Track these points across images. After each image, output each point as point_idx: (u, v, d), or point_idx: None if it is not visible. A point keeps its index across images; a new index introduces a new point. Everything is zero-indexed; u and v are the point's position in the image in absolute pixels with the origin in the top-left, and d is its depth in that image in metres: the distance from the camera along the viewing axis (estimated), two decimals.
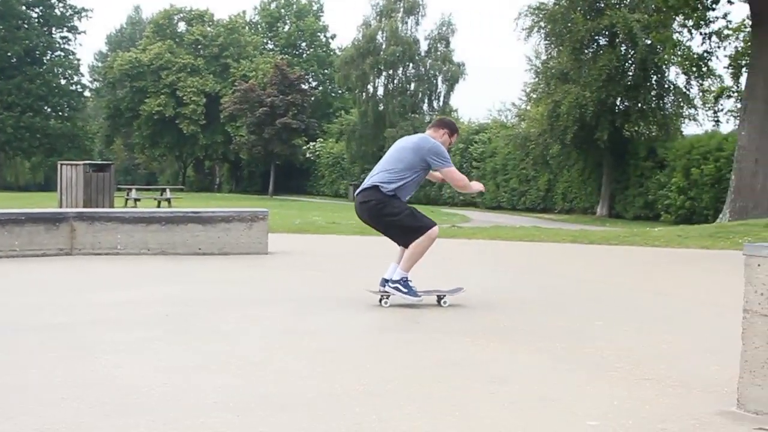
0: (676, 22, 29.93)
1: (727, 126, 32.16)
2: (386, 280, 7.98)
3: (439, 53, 62.96)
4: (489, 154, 49.63)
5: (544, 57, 41.30)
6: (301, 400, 4.50)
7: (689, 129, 40.34)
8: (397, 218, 7.99)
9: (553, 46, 40.01)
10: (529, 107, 44.49)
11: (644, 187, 37.08)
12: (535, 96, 42.66)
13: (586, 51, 38.52)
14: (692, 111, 38.76)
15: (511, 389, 4.79)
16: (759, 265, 4.28)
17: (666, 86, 38.75)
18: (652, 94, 38.61)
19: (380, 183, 8.03)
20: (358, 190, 8.28)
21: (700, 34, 28.38)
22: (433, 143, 8.12)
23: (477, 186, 8.55)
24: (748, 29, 26.07)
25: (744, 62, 27.61)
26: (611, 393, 4.74)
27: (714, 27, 28.24)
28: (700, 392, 4.80)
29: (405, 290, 7.92)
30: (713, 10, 26.73)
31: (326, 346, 5.98)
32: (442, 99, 64.25)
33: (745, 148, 22.90)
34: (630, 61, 38.24)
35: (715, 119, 36.96)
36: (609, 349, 5.96)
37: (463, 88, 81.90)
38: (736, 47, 29.18)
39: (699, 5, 25.94)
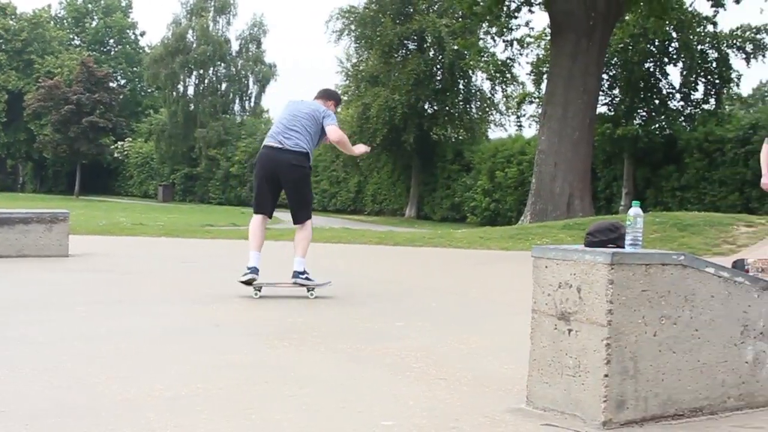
0: (481, 29, 30.80)
1: (530, 131, 33.33)
2: (299, 273, 8.53)
3: (250, 53, 62.72)
4: None
5: (354, 60, 41.72)
6: (94, 406, 4.35)
7: (495, 133, 41.64)
8: (309, 191, 8.87)
9: (363, 49, 40.47)
10: (339, 109, 44.86)
11: (451, 189, 37.97)
12: (345, 98, 43.01)
13: (395, 55, 39.15)
14: (497, 116, 40.01)
15: (309, 391, 4.78)
16: (546, 266, 4.42)
17: (473, 91, 39.83)
18: (459, 98, 39.62)
19: (308, 150, 8.54)
20: (279, 145, 8.51)
21: (503, 41, 29.33)
22: (321, 107, 8.71)
23: (360, 148, 9.15)
24: (549, 38, 27.09)
25: (545, 69, 28.67)
26: (408, 393, 4.80)
27: (516, 34, 29.24)
28: (493, 390, 4.91)
29: (312, 279, 8.59)
30: (516, 18, 27.66)
31: (121, 350, 5.81)
32: (253, 100, 64.10)
33: (544, 152, 23.78)
34: (438, 66, 39.12)
35: (518, 124, 38.38)
36: (408, 349, 6.03)
37: (274, 89, 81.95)
38: (537, 54, 30.32)
39: (502, 13, 26.76)
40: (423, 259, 13.42)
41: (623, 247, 4.36)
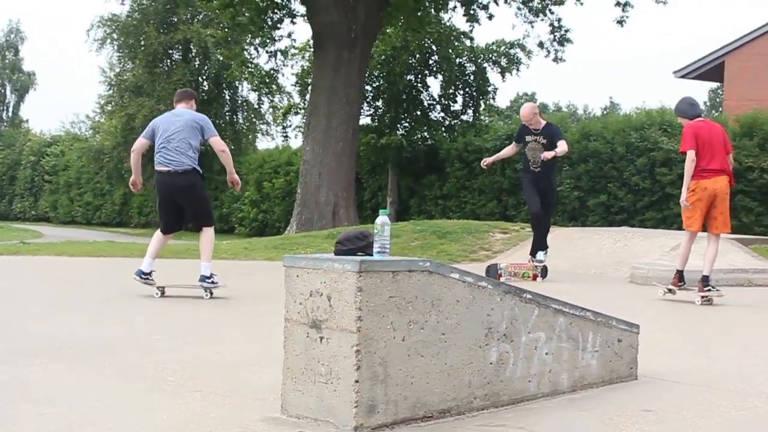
0: (245, 40, 30.76)
1: (296, 141, 33.52)
2: (205, 277, 9.33)
3: (7, 62, 60.07)
4: (62, 167, 48.10)
5: (118, 69, 40.68)
6: None
7: (264, 143, 41.70)
8: (205, 200, 9.79)
9: (126, 58, 39.55)
10: (103, 120, 43.58)
11: (219, 200, 37.66)
12: (109, 108, 41.85)
13: (160, 65, 38.48)
14: (264, 126, 40.00)
15: (60, 410, 4.62)
16: (297, 275, 4.47)
17: (239, 102, 39.68)
18: (225, 109, 39.37)
19: (195, 166, 9.33)
20: (167, 169, 9.34)
21: (267, 52, 29.40)
22: (200, 116, 9.61)
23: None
24: (312, 49, 27.38)
25: (309, 80, 28.94)
26: (162, 407, 4.74)
27: (280, 45, 29.37)
28: (250, 401, 4.92)
29: (217, 282, 9.47)
30: (279, 29, 27.77)
31: None
32: (11, 110, 61.36)
33: (309, 163, 24.01)
34: (204, 76, 38.74)
35: (285, 134, 38.47)
36: (166, 362, 5.94)
37: (34, 99, 78.76)
38: (302, 66, 30.55)
39: (265, 24, 26.81)
40: (188, 270, 13.23)
41: (372, 255, 4.46)
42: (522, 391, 4.89)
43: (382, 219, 4.45)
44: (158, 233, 9.90)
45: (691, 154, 9.90)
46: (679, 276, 10.21)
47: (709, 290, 9.94)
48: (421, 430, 4.31)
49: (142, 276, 9.57)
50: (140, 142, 9.91)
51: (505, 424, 4.48)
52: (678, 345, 7.25)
